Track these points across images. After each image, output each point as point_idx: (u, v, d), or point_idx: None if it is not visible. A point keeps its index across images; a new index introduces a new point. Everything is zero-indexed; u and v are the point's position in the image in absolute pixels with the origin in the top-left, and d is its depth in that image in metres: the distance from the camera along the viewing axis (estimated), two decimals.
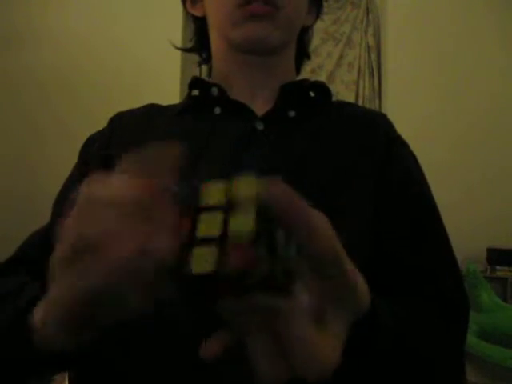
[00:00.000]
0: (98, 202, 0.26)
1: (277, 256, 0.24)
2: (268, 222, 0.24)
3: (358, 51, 3.35)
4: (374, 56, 3.31)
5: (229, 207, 0.25)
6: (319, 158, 0.53)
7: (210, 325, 0.27)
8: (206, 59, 0.67)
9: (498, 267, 2.76)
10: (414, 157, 0.59)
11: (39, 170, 2.74)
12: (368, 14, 3.37)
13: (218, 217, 0.25)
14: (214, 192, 0.26)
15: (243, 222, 0.24)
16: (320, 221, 0.27)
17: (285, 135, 0.54)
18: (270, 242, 0.24)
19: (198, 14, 0.62)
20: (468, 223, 2.75)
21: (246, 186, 0.25)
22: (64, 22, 3.02)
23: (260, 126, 0.54)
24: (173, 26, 2.54)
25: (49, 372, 0.38)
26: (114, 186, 0.26)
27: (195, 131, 0.55)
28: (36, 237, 0.54)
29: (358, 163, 0.53)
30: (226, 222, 0.24)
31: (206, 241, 0.24)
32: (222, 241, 0.24)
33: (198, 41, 0.67)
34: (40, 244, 0.52)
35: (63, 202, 0.55)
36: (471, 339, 2.02)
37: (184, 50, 0.70)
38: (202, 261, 0.23)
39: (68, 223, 0.26)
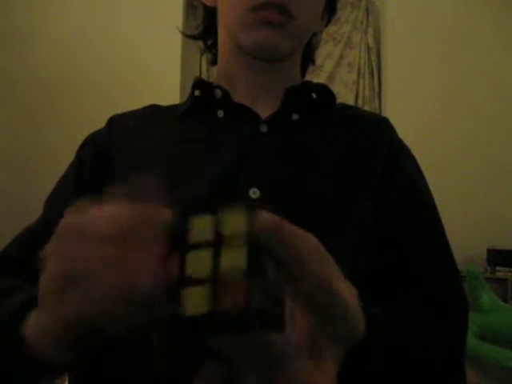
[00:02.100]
0: (83, 233, 0.25)
1: (269, 292, 0.24)
2: (259, 256, 0.24)
3: (357, 52, 3.35)
4: (373, 56, 3.31)
5: (218, 243, 0.24)
6: (322, 163, 0.53)
7: (201, 354, 0.26)
8: (210, 47, 0.66)
9: (497, 268, 2.76)
10: (415, 161, 0.59)
11: (39, 169, 2.73)
12: (368, 14, 3.37)
13: (208, 254, 0.24)
14: (201, 226, 0.25)
15: (235, 260, 0.23)
16: (311, 247, 0.27)
17: (288, 138, 0.54)
18: (262, 278, 0.23)
19: (209, 3, 0.61)
20: (468, 223, 2.75)
21: (235, 220, 0.24)
22: (64, 22, 3.02)
23: (264, 129, 0.54)
24: (173, 27, 2.53)
25: (43, 377, 0.38)
26: (99, 216, 0.25)
27: (198, 135, 0.55)
28: (24, 235, 0.53)
29: (359, 168, 0.53)
30: (216, 259, 0.24)
31: (197, 280, 0.23)
32: (213, 280, 0.23)
33: (205, 29, 0.66)
34: (27, 243, 0.52)
35: (55, 200, 0.55)
36: (471, 340, 2.02)
37: (189, 36, 0.69)
38: (195, 302, 0.23)
39: (52, 251, 0.26)
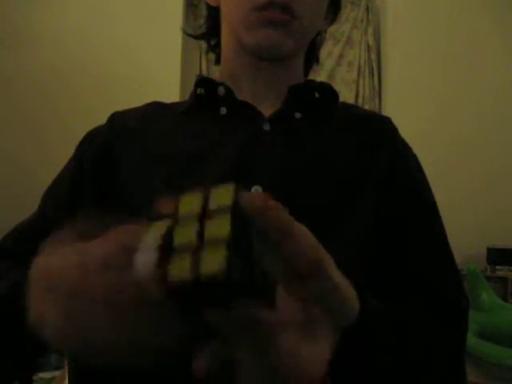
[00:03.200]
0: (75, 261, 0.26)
1: (255, 263, 0.24)
2: (245, 228, 0.24)
3: (357, 50, 3.35)
4: (373, 55, 3.31)
5: (204, 215, 0.25)
6: (324, 161, 0.53)
7: (199, 337, 0.27)
8: (214, 47, 0.66)
9: (497, 267, 2.77)
10: (417, 161, 0.59)
11: (38, 169, 2.73)
12: (368, 13, 3.37)
13: (193, 225, 0.25)
14: (189, 202, 0.26)
15: (218, 228, 0.24)
16: (297, 225, 0.27)
17: (291, 137, 0.54)
18: (247, 248, 0.24)
19: (212, 3, 0.61)
20: (468, 223, 2.75)
21: (222, 194, 0.25)
22: (63, 21, 3.02)
23: (267, 127, 0.54)
24: (173, 27, 2.53)
25: (42, 352, 0.38)
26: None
27: (201, 132, 0.55)
28: (20, 228, 0.54)
29: (361, 167, 0.53)
30: (201, 231, 0.24)
31: (182, 249, 0.24)
32: (198, 248, 0.24)
33: (208, 29, 0.66)
34: (23, 236, 0.52)
35: (52, 196, 0.55)
36: (471, 339, 2.02)
37: (193, 36, 0.69)
38: (178, 269, 0.23)
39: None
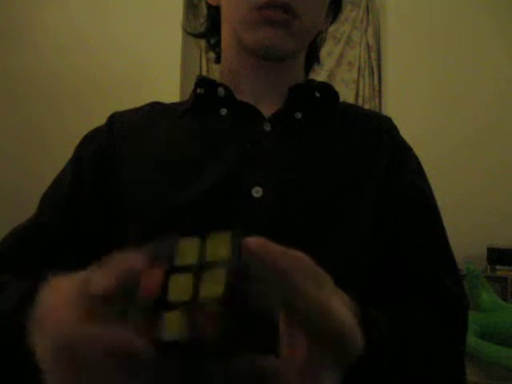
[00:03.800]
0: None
1: (255, 318, 0.23)
2: (240, 282, 0.24)
3: (357, 50, 3.35)
4: (373, 55, 3.31)
5: (200, 269, 0.24)
6: (325, 162, 0.53)
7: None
8: (214, 46, 0.66)
9: (498, 267, 2.76)
10: (417, 161, 0.59)
11: (38, 169, 2.73)
12: (368, 13, 3.36)
13: (189, 279, 0.24)
14: (186, 251, 0.25)
15: (213, 288, 0.23)
16: (304, 267, 0.26)
17: (292, 137, 0.54)
18: (243, 304, 0.23)
19: (212, 2, 0.61)
20: (468, 222, 2.75)
21: (219, 246, 0.25)
22: (63, 21, 3.01)
23: (267, 128, 0.54)
24: (173, 27, 2.53)
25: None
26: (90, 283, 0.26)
27: (201, 132, 0.54)
28: (17, 233, 0.53)
29: (362, 167, 0.53)
30: (197, 285, 0.24)
31: (176, 305, 0.23)
32: (192, 305, 0.23)
33: (208, 28, 0.66)
34: (20, 241, 0.52)
35: (50, 199, 0.55)
36: (471, 339, 2.02)
37: (194, 35, 0.69)
38: (173, 327, 0.23)
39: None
